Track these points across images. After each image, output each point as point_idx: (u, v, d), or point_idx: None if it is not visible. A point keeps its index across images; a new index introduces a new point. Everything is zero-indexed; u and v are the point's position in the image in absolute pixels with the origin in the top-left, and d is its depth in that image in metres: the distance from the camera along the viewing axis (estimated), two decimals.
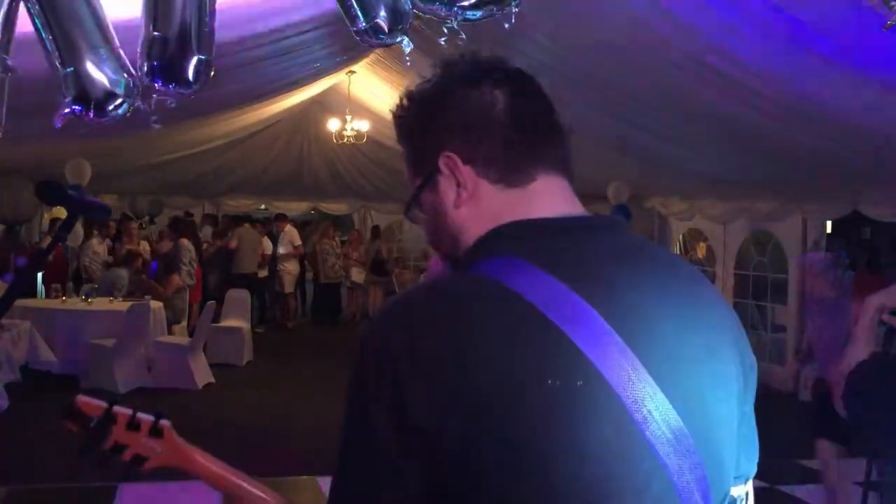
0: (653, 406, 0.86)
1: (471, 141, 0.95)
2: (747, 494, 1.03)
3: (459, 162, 0.94)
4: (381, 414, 0.83)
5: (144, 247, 11.12)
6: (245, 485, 1.42)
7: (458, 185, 0.95)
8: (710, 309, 1.00)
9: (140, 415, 1.43)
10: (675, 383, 0.89)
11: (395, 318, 0.88)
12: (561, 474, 0.82)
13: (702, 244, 10.64)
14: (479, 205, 0.95)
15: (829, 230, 9.50)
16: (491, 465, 0.80)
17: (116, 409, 1.42)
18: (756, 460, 1.04)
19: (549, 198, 0.95)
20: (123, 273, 9.43)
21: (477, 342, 0.82)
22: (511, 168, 0.94)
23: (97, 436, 1.40)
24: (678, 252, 11.19)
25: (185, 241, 9.76)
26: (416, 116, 1.01)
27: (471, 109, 0.96)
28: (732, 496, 0.96)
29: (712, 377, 0.94)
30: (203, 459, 1.44)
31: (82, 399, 1.42)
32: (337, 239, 13.25)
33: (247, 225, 11.86)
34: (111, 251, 10.66)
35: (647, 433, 0.85)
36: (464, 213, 0.96)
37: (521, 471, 0.81)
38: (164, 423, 1.43)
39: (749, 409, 1.03)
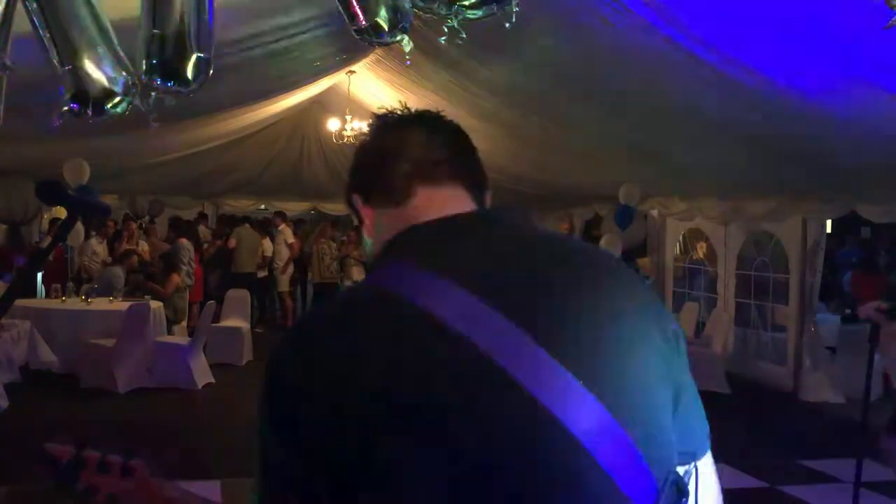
0: (567, 396, 0.89)
1: (361, 181, 1.16)
2: (695, 470, 1.04)
3: (360, 201, 1.15)
4: (275, 438, 0.93)
5: (144, 247, 11.12)
6: None
7: (362, 220, 1.16)
8: (614, 288, 1.03)
9: (110, 456, 1.44)
10: (585, 367, 0.91)
11: (290, 344, 1.00)
12: (472, 468, 0.86)
13: (702, 244, 10.63)
14: (378, 229, 1.13)
15: (829, 230, 9.49)
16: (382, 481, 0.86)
17: (86, 453, 1.43)
18: (704, 437, 1.07)
19: (430, 207, 1.09)
20: (119, 272, 9.43)
21: (365, 347, 0.91)
22: (391, 190, 1.11)
23: (67, 481, 1.40)
24: (678, 252, 11.18)
25: (183, 241, 9.75)
26: None
27: (364, 157, 1.17)
28: (677, 473, 0.97)
29: (629, 353, 0.97)
30: (177, 495, 1.45)
31: (50, 446, 1.44)
32: (335, 239, 13.23)
33: (247, 225, 11.85)
34: (110, 251, 10.66)
35: (567, 424, 0.88)
36: (373, 238, 1.14)
37: (428, 477, 0.86)
38: (134, 462, 1.44)
39: (686, 379, 1.04)
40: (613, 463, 0.89)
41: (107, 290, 8.97)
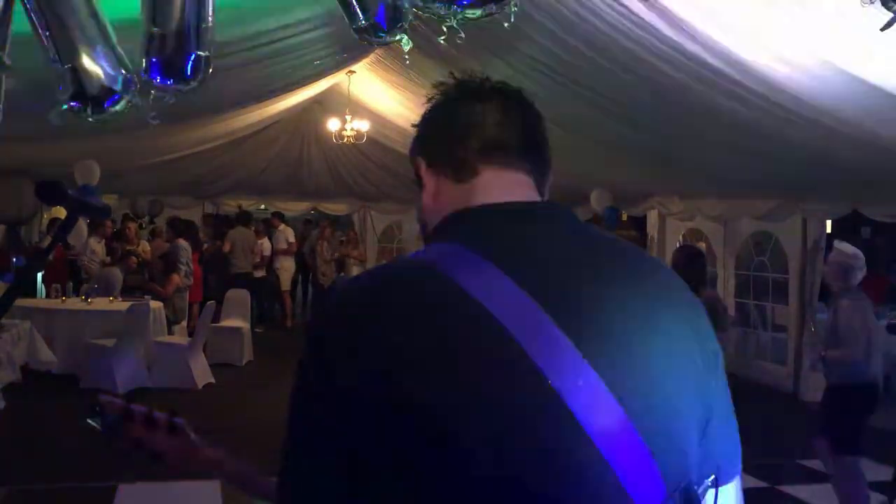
0: (589, 395, 0.89)
1: (428, 147, 1.14)
2: (716, 492, 1.01)
3: (423, 165, 1.13)
4: (322, 406, 0.92)
5: (144, 247, 11.12)
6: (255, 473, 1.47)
7: (423, 184, 1.13)
8: (659, 297, 1.01)
9: (156, 413, 1.49)
10: (614, 369, 0.91)
11: (333, 312, 0.99)
12: (497, 451, 0.86)
13: (702, 244, 10.63)
14: (439, 199, 1.11)
15: (829, 230, 9.49)
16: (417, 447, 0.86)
17: (134, 406, 1.49)
18: (732, 463, 1.05)
19: (492, 190, 1.07)
20: (118, 272, 9.44)
21: (401, 325, 0.90)
22: (457, 167, 1.09)
23: (112, 433, 1.46)
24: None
25: (181, 241, 9.76)
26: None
27: (433, 123, 1.14)
28: (691, 485, 0.95)
29: (663, 363, 0.95)
30: (217, 456, 1.50)
31: (103, 397, 1.49)
32: (334, 239, 13.24)
33: (240, 227, 11.84)
34: (109, 251, 10.66)
35: (582, 420, 0.87)
36: (429, 206, 1.13)
37: (444, 462, 0.86)
38: (178, 421, 1.50)
39: (720, 402, 1.03)
40: (623, 465, 0.88)
41: (106, 291, 8.97)
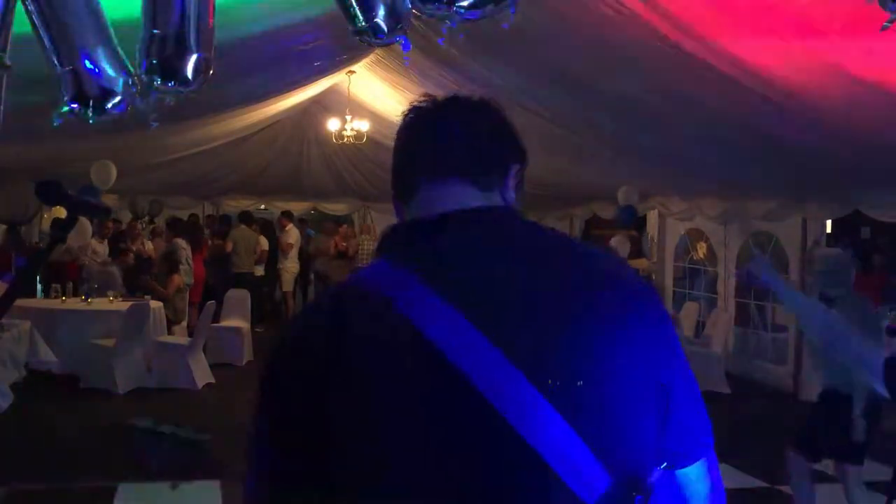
0: (511, 391, 0.90)
1: (392, 182, 1.18)
2: (677, 476, 1.03)
3: (393, 198, 1.18)
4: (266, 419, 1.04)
5: (149, 246, 11.11)
6: None
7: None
8: (579, 290, 1.01)
9: None
10: (540, 360, 0.93)
11: (280, 333, 1.08)
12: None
13: (702, 244, 10.64)
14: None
15: (829, 230, 9.50)
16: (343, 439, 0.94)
17: None
18: (697, 442, 1.06)
19: (423, 204, 1.11)
20: (115, 270, 9.44)
21: (335, 333, 0.97)
22: (403, 191, 1.14)
23: None
24: (679, 252, 11.18)
25: (179, 241, 9.75)
26: None
27: (393, 154, 1.19)
28: (637, 475, 0.95)
29: (595, 351, 0.96)
30: None
31: None
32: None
33: (242, 226, 11.86)
34: (112, 250, 10.66)
35: (510, 418, 0.89)
36: None
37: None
38: None
39: (679, 384, 1.03)
40: (561, 458, 0.89)
41: (105, 289, 8.96)
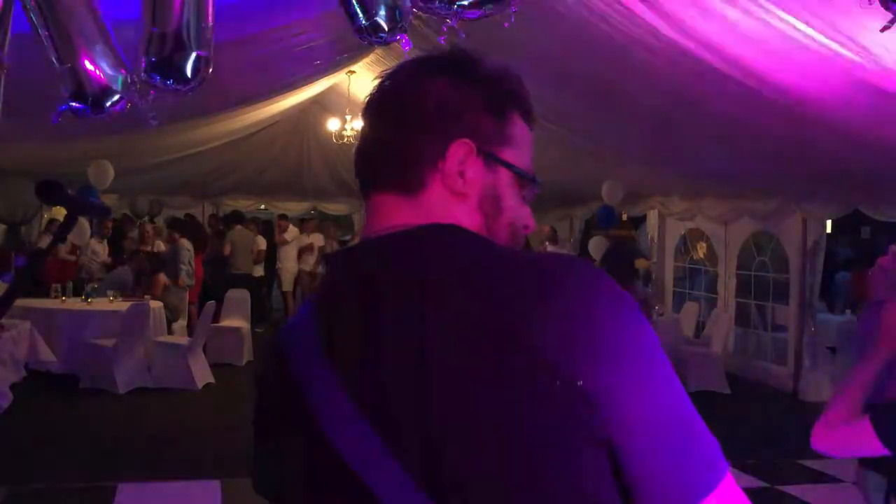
0: (367, 450, 0.86)
1: None
2: None
3: None
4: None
5: (160, 247, 11.11)
6: None
7: None
8: (437, 313, 0.84)
9: None
10: (398, 420, 0.84)
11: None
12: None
13: (702, 244, 10.63)
14: None
15: (829, 230, 9.49)
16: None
17: None
18: (686, 484, 0.87)
19: (365, 227, 0.98)
20: (128, 270, 9.45)
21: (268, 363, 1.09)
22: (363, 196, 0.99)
23: None
24: (679, 252, 11.18)
25: (183, 241, 9.75)
26: None
27: None
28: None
29: (480, 410, 0.81)
30: None
31: None
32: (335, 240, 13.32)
33: (238, 227, 11.85)
34: (118, 251, 10.66)
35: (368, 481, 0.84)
36: None
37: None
38: None
39: (610, 389, 0.80)
40: (383, 486, 0.83)
41: (120, 290, 8.95)
